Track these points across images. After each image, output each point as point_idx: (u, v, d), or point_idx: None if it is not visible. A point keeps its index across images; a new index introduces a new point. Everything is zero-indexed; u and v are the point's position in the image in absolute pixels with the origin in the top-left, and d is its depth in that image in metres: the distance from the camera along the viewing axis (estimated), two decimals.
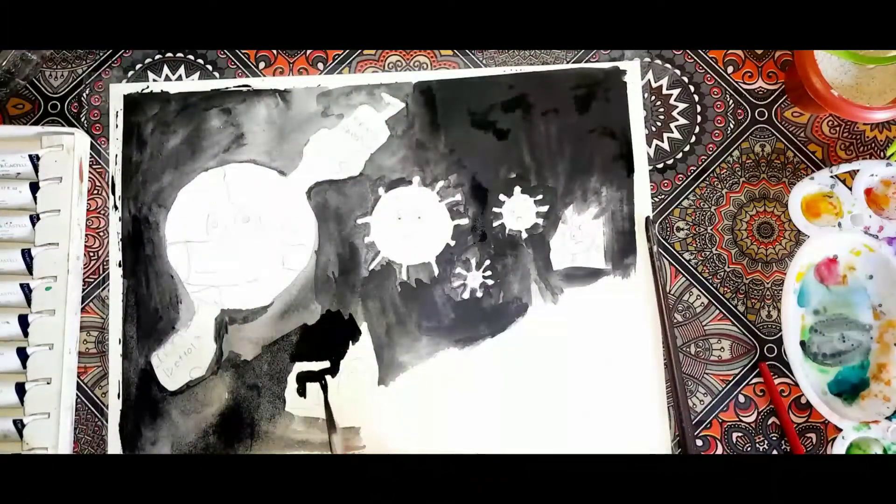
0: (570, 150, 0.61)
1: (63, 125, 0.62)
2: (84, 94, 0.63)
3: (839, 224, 0.58)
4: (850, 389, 0.58)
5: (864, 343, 0.59)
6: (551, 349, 0.60)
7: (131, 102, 0.62)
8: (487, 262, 0.61)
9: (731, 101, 0.62)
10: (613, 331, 0.60)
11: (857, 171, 0.58)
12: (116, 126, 0.62)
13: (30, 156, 0.60)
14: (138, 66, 0.63)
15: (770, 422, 0.59)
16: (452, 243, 0.61)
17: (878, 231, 0.57)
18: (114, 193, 0.62)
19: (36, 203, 0.60)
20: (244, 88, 0.62)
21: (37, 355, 0.58)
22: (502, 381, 0.59)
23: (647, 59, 0.62)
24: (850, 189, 0.58)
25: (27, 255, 0.59)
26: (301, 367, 0.60)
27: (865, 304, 0.59)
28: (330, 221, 0.61)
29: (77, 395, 0.60)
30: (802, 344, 0.59)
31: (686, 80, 0.62)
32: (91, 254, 0.61)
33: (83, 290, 0.61)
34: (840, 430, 0.56)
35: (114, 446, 0.60)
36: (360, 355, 0.60)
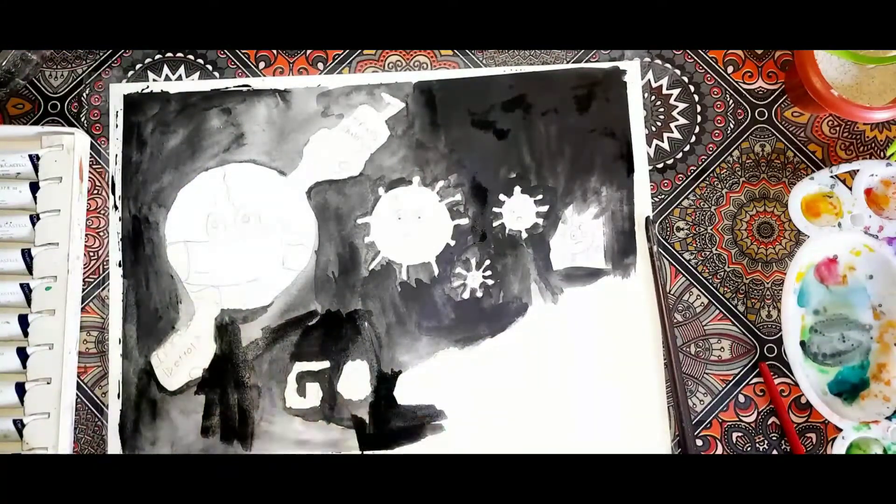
0: (570, 150, 0.61)
1: (63, 125, 0.62)
2: (84, 94, 0.63)
3: (839, 224, 0.58)
4: (850, 389, 0.58)
5: (864, 343, 0.59)
6: (551, 349, 0.60)
7: (131, 102, 0.62)
8: (487, 262, 0.61)
9: (731, 101, 0.62)
10: (613, 331, 0.60)
11: (857, 171, 0.58)
12: (116, 126, 0.62)
13: (30, 156, 0.60)
14: (138, 66, 0.63)
15: (770, 422, 0.59)
16: (452, 243, 0.61)
17: (878, 231, 0.57)
18: (114, 193, 0.62)
19: (36, 203, 0.60)
20: (244, 88, 0.62)
21: (37, 355, 0.58)
22: (502, 381, 0.59)
23: (647, 59, 0.62)
24: (850, 189, 0.58)
25: (27, 255, 0.59)
26: (301, 367, 0.60)
27: (865, 304, 0.59)
28: (330, 221, 0.61)
29: (77, 395, 0.60)
30: (802, 344, 0.59)
31: (686, 80, 0.62)
32: (91, 254, 0.61)
33: (83, 290, 0.61)
34: (840, 430, 0.56)
35: (114, 446, 0.60)
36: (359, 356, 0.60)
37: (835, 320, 0.59)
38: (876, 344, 0.59)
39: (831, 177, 0.58)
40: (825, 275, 0.59)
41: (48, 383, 0.58)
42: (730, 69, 0.62)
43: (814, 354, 0.59)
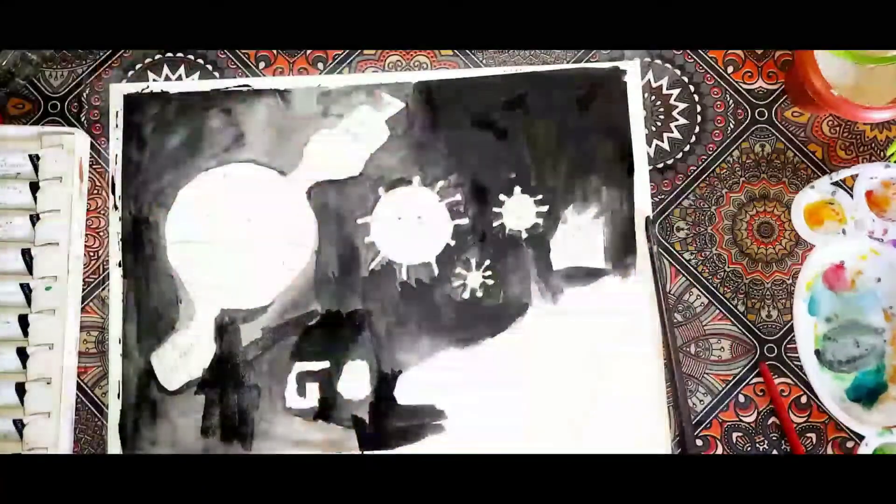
0: (570, 150, 0.61)
1: (63, 125, 0.62)
2: (84, 94, 0.63)
3: (843, 230, 0.58)
4: (867, 394, 0.58)
5: (879, 346, 0.59)
6: (551, 349, 0.60)
7: (131, 102, 0.62)
8: (487, 262, 0.61)
9: (731, 101, 0.62)
10: (613, 331, 0.60)
11: (857, 175, 0.58)
12: (116, 126, 0.62)
13: (30, 156, 0.60)
14: (138, 66, 0.63)
15: (770, 422, 0.59)
16: (452, 243, 0.61)
17: (882, 234, 0.57)
18: (114, 193, 0.62)
19: (36, 203, 0.60)
20: (244, 88, 0.62)
21: (37, 355, 0.58)
22: (502, 381, 0.59)
23: (647, 59, 0.62)
24: (851, 194, 0.58)
25: (27, 255, 0.59)
26: (301, 367, 0.60)
27: (876, 307, 0.59)
28: (330, 221, 0.61)
29: (77, 395, 0.60)
30: (817, 353, 0.58)
31: (686, 80, 0.62)
32: (91, 254, 0.61)
33: (83, 290, 0.61)
34: (862, 437, 0.56)
35: (114, 446, 0.60)
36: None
37: (847, 326, 0.59)
38: (890, 347, 0.59)
39: (831, 184, 0.58)
40: (833, 281, 0.59)
41: (48, 383, 0.58)
42: (730, 69, 0.62)
43: (829, 362, 0.58)
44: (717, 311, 0.60)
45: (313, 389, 0.60)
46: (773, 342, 0.60)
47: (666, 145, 0.62)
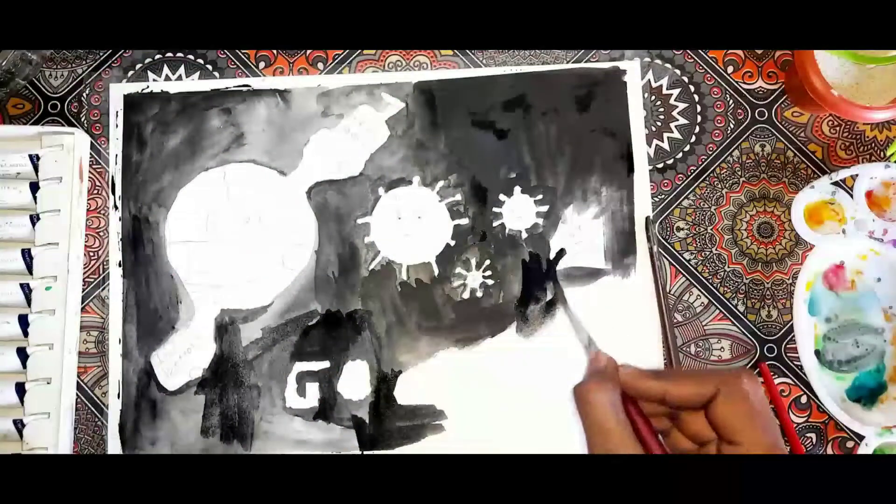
0: (570, 150, 0.61)
1: (63, 125, 0.62)
2: (84, 94, 0.63)
3: (843, 230, 0.58)
4: (868, 394, 0.58)
5: (879, 346, 0.59)
6: (551, 349, 0.60)
7: (131, 102, 0.62)
8: (487, 262, 0.61)
9: (731, 101, 0.62)
10: (613, 331, 0.60)
11: (857, 174, 0.58)
12: (116, 126, 0.62)
13: (30, 156, 0.60)
14: (138, 66, 0.63)
15: None
16: (452, 243, 0.61)
17: (882, 234, 0.57)
18: (114, 193, 0.62)
19: (36, 203, 0.60)
20: (244, 88, 0.62)
21: (37, 355, 0.58)
22: (502, 381, 0.59)
23: (647, 59, 0.62)
24: (851, 193, 0.58)
25: (27, 255, 0.59)
26: (301, 367, 0.60)
27: (876, 307, 0.59)
28: (330, 221, 0.61)
29: (77, 395, 0.60)
30: (817, 353, 0.58)
31: (686, 80, 0.62)
32: (91, 254, 0.61)
33: (83, 290, 0.61)
34: (863, 437, 0.56)
35: (114, 446, 0.60)
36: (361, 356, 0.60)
37: (847, 326, 0.59)
38: (890, 346, 0.59)
39: (832, 183, 0.58)
40: (833, 282, 0.59)
41: (48, 383, 0.58)
42: (730, 69, 0.62)
43: (829, 362, 0.58)
44: (717, 311, 0.60)
45: (313, 389, 0.60)
46: (773, 342, 0.60)
47: (666, 145, 0.62)
